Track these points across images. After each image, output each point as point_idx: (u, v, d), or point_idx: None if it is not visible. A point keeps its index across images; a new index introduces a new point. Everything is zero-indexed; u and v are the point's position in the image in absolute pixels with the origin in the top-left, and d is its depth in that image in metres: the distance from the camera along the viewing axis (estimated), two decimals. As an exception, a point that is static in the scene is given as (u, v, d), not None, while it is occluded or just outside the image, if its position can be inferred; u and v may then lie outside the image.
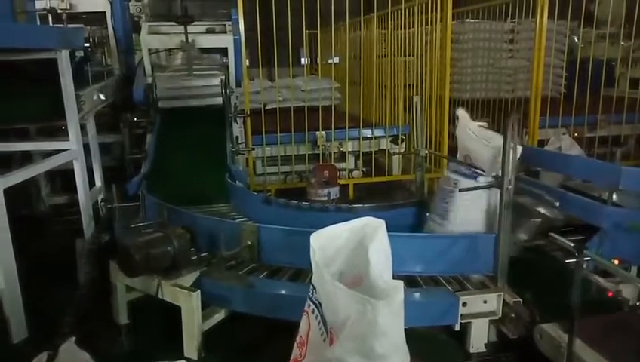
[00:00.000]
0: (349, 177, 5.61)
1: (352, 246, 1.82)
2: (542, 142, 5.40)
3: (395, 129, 5.71)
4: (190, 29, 4.43)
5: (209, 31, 4.81)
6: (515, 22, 6.82)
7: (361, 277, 1.78)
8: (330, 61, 7.60)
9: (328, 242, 1.76)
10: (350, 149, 5.67)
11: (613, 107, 5.90)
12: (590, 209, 2.75)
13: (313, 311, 1.73)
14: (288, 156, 5.47)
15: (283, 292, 2.48)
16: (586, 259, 2.07)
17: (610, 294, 2.28)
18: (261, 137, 5.31)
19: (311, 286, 1.75)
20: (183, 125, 4.16)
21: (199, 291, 2.41)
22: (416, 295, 2.55)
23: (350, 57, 6.24)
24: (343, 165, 5.63)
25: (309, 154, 5.50)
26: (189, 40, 4.47)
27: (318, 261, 1.62)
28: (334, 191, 4.83)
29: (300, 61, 6.53)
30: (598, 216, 2.68)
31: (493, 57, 7.10)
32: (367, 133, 5.70)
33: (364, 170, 5.77)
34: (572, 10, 5.85)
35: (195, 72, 4.36)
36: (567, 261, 2.06)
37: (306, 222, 2.94)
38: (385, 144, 5.74)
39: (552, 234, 2.42)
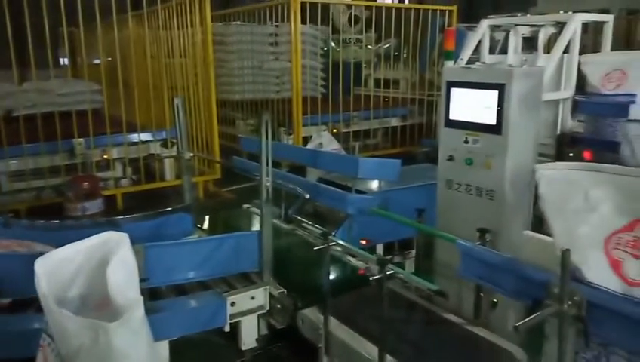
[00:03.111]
0: (116, 186, 5.22)
1: (92, 265, 1.67)
2: (305, 139, 5.82)
3: (163, 132, 5.51)
4: None
5: None
6: (276, 25, 7.17)
7: (108, 297, 1.64)
8: (94, 62, 6.96)
9: (61, 266, 1.58)
10: (116, 156, 5.28)
11: (362, 104, 6.67)
12: (338, 198, 3.03)
13: (49, 345, 1.54)
14: (43, 169, 4.85)
15: (17, 327, 2.15)
16: (331, 244, 2.26)
17: (361, 272, 2.53)
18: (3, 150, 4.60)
19: (45, 318, 1.55)
20: None
21: None
22: (183, 303, 2.48)
23: (113, 58, 5.81)
24: (108, 174, 5.21)
25: (66, 165, 4.94)
26: None
27: (45, 289, 1.44)
28: (97, 204, 4.43)
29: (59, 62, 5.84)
30: (344, 204, 2.96)
31: (259, 59, 7.37)
32: (134, 137, 5.38)
33: (133, 177, 5.44)
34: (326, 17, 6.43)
35: None
36: (315, 248, 2.22)
37: (57, 242, 2.61)
38: (154, 148, 5.49)
39: (305, 223, 2.60)
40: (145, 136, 5.45)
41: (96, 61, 6.72)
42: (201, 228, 3.51)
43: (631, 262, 1.34)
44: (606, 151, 3.63)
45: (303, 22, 6.22)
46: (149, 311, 1.83)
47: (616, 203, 1.42)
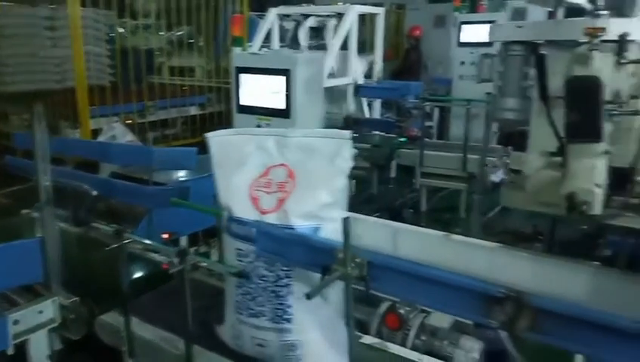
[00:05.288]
0: None
1: None
2: (96, 132, 5.34)
3: None
4: None
5: None
6: (52, 8, 6.40)
7: None
8: None
9: None
10: None
11: (157, 93, 6.39)
12: (134, 192, 2.86)
13: None
14: None
15: None
16: (126, 241, 2.13)
17: (165, 266, 2.43)
18: None
19: None
20: None
21: None
22: None
23: None
24: None
25: None
26: None
27: None
28: None
29: None
30: (141, 198, 2.82)
31: (34, 46, 6.49)
32: None
33: None
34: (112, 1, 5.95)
35: None
36: (107, 248, 2.08)
37: None
38: None
39: (95, 223, 2.40)
40: None
41: None
42: (-33, 242, 3.00)
43: (264, 198, 1.77)
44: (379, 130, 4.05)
45: (83, 4, 5.67)
46: None
47: (257, 156, 1.83)
